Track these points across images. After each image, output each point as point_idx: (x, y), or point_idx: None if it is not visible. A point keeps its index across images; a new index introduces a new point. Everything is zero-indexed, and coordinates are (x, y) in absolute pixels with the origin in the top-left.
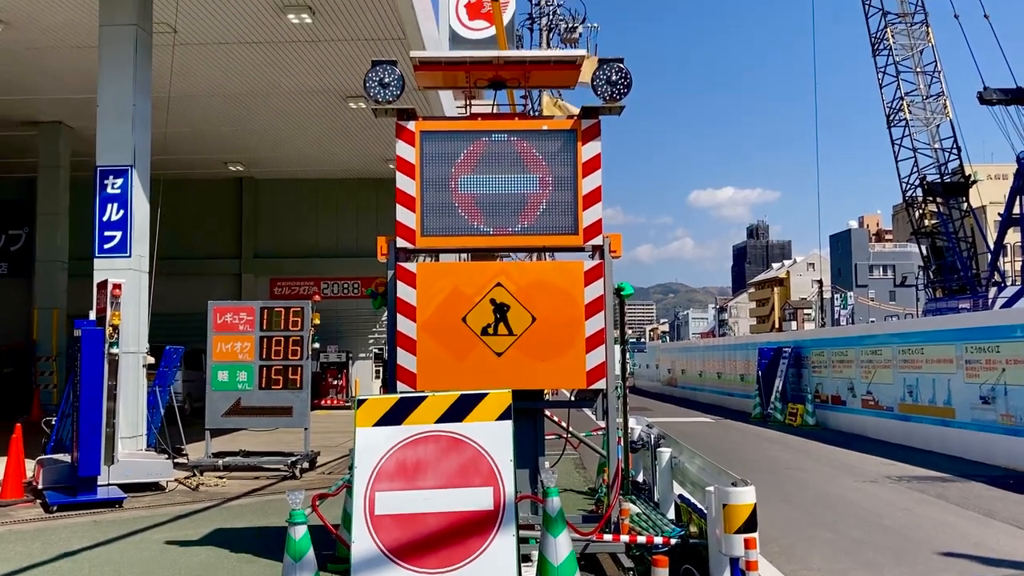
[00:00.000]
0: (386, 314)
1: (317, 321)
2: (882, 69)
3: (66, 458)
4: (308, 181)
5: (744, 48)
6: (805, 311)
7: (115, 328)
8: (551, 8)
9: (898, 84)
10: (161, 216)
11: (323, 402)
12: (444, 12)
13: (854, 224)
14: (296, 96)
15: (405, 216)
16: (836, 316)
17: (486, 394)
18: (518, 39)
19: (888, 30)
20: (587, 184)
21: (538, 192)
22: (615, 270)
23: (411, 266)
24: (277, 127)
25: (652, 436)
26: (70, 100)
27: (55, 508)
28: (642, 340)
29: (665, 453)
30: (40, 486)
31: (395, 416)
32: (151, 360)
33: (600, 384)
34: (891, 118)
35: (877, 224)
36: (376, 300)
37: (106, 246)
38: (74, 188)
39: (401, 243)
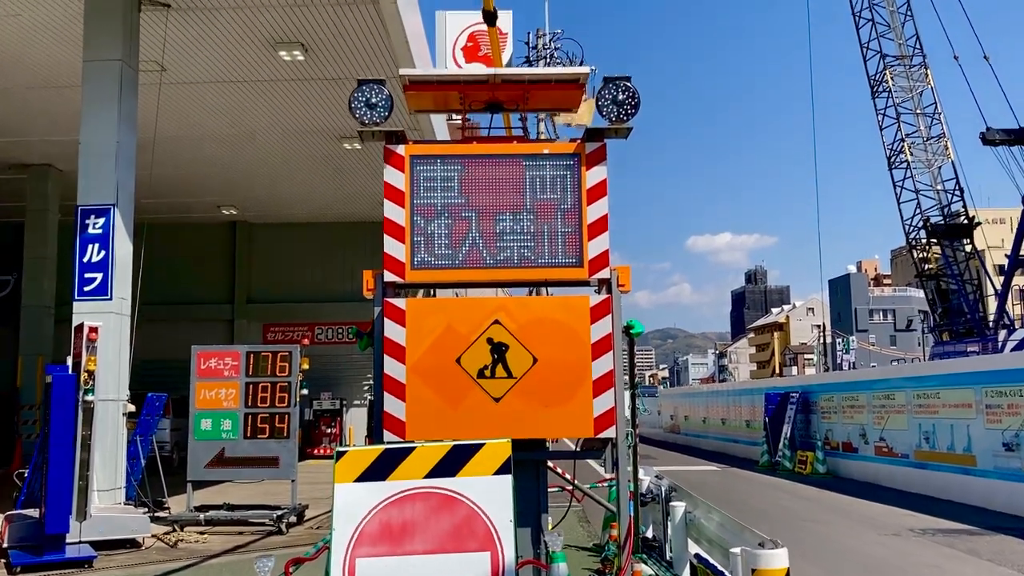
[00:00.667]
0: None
1: (306, 366)
2: (882, 111)
3: (36, 513)
4: (303, 225)
5: (741, 94)
6: (806, 356)
7: (91, 374)
8: (548, 51)
9: (898, 126)
10: (153, 261)
11: (315, 451)
12: (441, 55)
13: (852, 269)
14: (289, 137)
15: (394, 248)
16: (839, 361)
17: (483, 444)
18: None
19: (887, 72)
20: (592, 212)
21: (539, 221)
22: (622, 306)
23: (400, 302)
24: (270, 169)
25: (663, 488)
26: (60, 142)
27: (18, 569)
28: (653, 384)
29: (678, 507)
30: (5, 544)
31: (379, 470)
32: (132, 408)
33: (609, 432)
34: (892, 160)
35: (875, 269)
36: (362, 340)
37: (86, 288)
38: (63, 232)
39: (389, 277)
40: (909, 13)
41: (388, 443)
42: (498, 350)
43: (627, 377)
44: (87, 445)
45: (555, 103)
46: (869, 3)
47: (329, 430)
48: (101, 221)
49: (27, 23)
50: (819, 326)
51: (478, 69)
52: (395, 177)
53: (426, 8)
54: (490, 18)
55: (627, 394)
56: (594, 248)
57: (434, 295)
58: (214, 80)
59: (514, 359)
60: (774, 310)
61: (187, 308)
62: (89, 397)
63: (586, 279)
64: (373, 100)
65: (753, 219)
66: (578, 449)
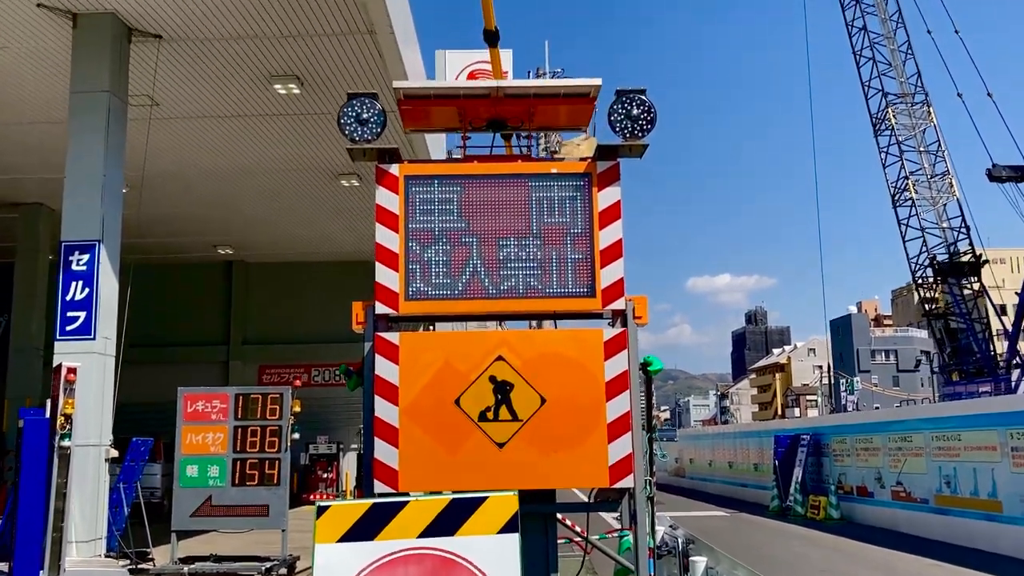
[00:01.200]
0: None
1: (297, 409)
2: (884, 149)
3: (5, 567)
4: (300, 264)
5: (740, 135)
6: (808, 397)
7: (67, 418)
8: None
9: (902, 164)
10: (148, 301)
11: (311, 497)
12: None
13: (853, 309)
14: (286, 173)
15: (386, 277)
16: (843, 402)
17: (486, 498)
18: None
19: (889, 110)
20: (605, 237)
21: (546, 247)
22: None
23: (392, 337)
24: (266, 207)
25: (679, 539)
26: (52, 180)
27: None
28: (673, 426)
29: (699, 563)
30: None
31: (367, 528)
32: (115, 453)
33: (626, 482)
34: (896, 198)
35: (875, 309)
36: (351, 380)
37: (68, 328)
38: (53, 272)
39: (381, 309)
40: (910, 51)
41: (378, 495)
42: (501, 390)
43: (645, 418)
44: (62, 494)
45: (563, 120)
46: (870, 42)
47: (326, 475)
48: (86, 257)
49: (16, 56)
50: (821, 367)
51: (479, 82)
52: (388, 199)
53: (425, 46)
54: (492, 38)
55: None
56: (607, 276)
57: (434, 329)
58: (207, 115)
59: (519, 400)
60: (775, 351)
61: (181, 350)
62: (65, 443)
63: (599, 310)
64: (364, 115)
65: (752, 260)
66: (592, 500)
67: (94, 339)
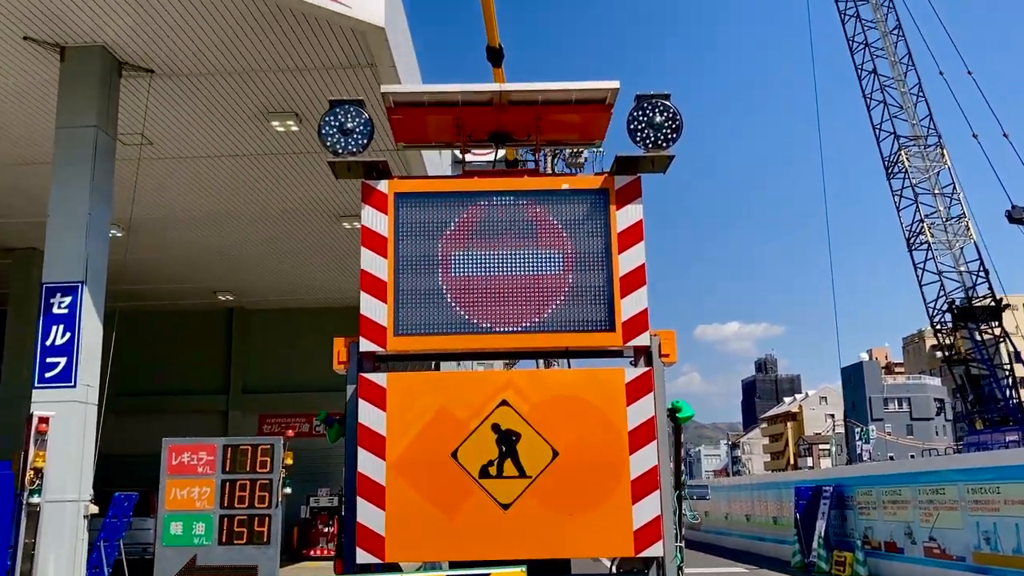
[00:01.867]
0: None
1: (289, 461)
2: (898, 192)
3: None
4: (302, 310)
5: (747, 180)
6: (821, 446)
7: (38, 472)
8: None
9: (916, 207)
10: (145, 349)
11: (312, 552)
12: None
13: (865, 357)
14: (285, 215)
15: (373, 309)
16: (858, 451)
17: (487, 575)
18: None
19: (902, 153)
20: (625, 261)
21: (558, 273)
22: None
23: (379, 378)
24: (266, 250)
25: None
26: (45, 224)
27: None
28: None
29: None
30: None
31: None
32: (95, 509)
33: (654, 550)
34: (911, 241)
35: (886, 357)
36: (332, 429)
37: (47, 374)
38: None
39: (366, 346)
40: (921, 94)
41: (359, 568)
42: (506, 440)
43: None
44: (30, 555)
45: (575, 132)
46: (880, 85)
47: (327, 529)
48: (67, 300)
49: (3, 93)
50: (833, 415)
51: (479, 86)
52: (376, 220)
53: (427, 79)
54: (495, 57)
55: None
56: (628, 307)
57: (438, 368)
58: (203, 155)
59: (527, 452)
60: (786, 399)
61: (180, 399)
62: (35, 499)
63: (619, 347)
64: (348, 125)
65: (760, 308)
66: (613, 571)
67: (75, 386)
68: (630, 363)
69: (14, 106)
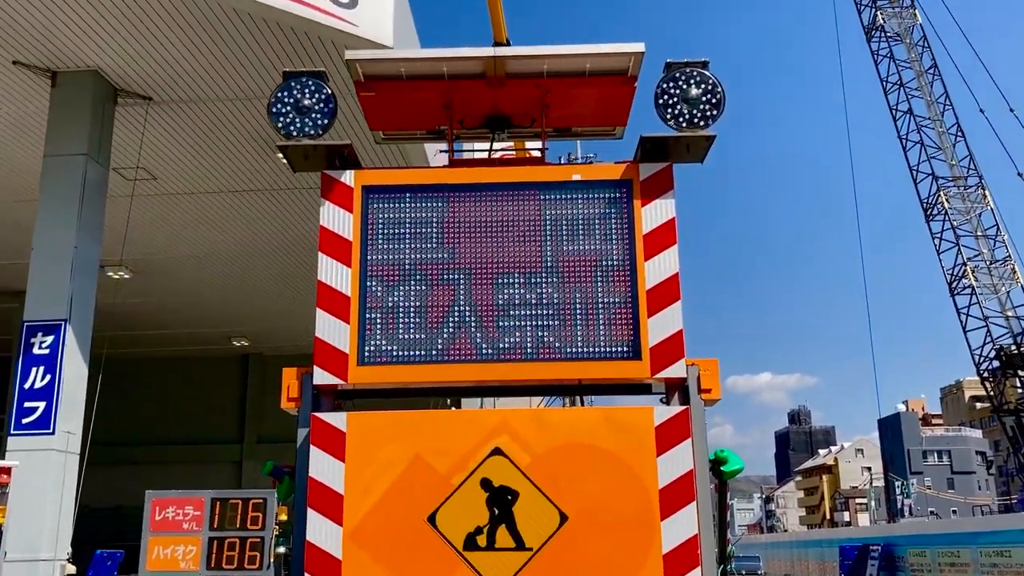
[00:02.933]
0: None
1: (284, 517)
2: (938, 235)
3: None
4: None
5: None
6: (858, 500)
7: None
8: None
9: (958, 250)
10: (158, 396)
11: None
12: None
13: (901, 408)
14: (296, 254)
15: (332, 331)
16: (899, 506)
17: None
18: None
19: (941, 194)
20: (653, 270)
21: (567, 287)
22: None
23: (336, 419)
24: (278, 292)
25: None
26: None
27: None
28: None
29: None
30: None
31: None
32: (72, 569)
33: None
34: (954, 286)
35: (923, 408)
36: (282, 484)
37: (24, 420)
38: None
39: (323, 378)
40: (960, 134)
41: None
42: (500, 500)
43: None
44: None
45: (589, 114)
46: (916, 125)
47: None
48: (49, 339)
49: (2, 125)
50: (870, 468)
51: (470, 50)
52: (338, 219)
53: None
54: None
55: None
56: (657, 328)
57: (450, 405)
58: (207, 190)
59: (527, 516)
60: (821, 451)
61: (191, 448)
62: None
63: (646, 379)
64: (306, 102)
65: (792, 359)
66: None
67: (53, 433)
68: (660, 400)
69: (13, 140)
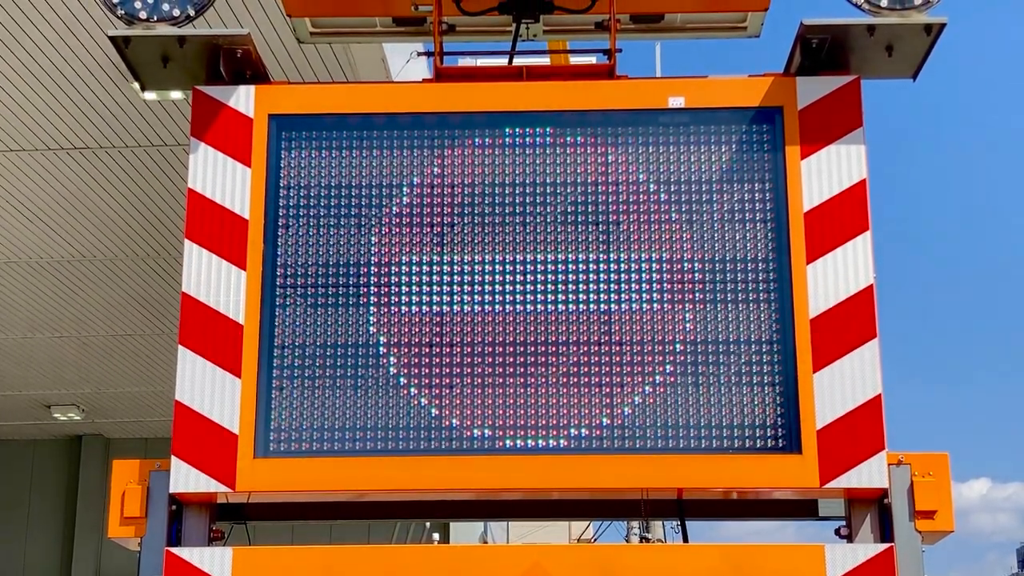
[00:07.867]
0: None
1: None
2: None
3: None
4: None
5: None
6: None
7: None
8: None
9: None
10: None
11: None
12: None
13: None
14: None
15: (207, 392)
16: None
17: None
18: None
19: None
20: (824, 282)
21: (654, 313)
22: None
23: (213, 559)
24: (114, 352)
25: None
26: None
27: None
28: None
29: None
30: None
31: None
32: None
33: None
34: None
35: None
36: None
37: None
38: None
39: (189, 480)
40: None
41: None
42: None
43: None
44: None
45: None
46: None
47: None
48: None
49: None
50: None
51: None
52: (221, 177)
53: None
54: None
55: None
56: (833, 392)
57: (431, 533)
58: None
59: None
60: None
61: None
62: None
63: (811, 490)
64: None
65: (1019, 460)
66: None
67: None
68: (838, 533)
69: None
